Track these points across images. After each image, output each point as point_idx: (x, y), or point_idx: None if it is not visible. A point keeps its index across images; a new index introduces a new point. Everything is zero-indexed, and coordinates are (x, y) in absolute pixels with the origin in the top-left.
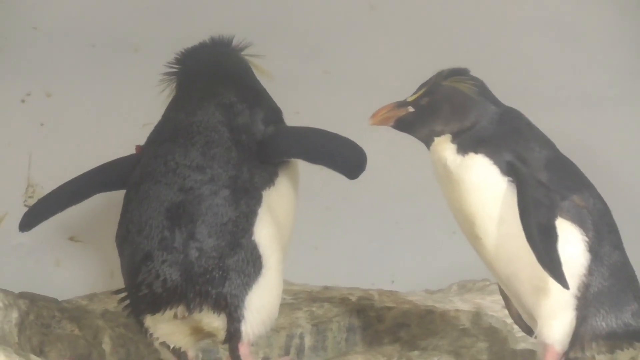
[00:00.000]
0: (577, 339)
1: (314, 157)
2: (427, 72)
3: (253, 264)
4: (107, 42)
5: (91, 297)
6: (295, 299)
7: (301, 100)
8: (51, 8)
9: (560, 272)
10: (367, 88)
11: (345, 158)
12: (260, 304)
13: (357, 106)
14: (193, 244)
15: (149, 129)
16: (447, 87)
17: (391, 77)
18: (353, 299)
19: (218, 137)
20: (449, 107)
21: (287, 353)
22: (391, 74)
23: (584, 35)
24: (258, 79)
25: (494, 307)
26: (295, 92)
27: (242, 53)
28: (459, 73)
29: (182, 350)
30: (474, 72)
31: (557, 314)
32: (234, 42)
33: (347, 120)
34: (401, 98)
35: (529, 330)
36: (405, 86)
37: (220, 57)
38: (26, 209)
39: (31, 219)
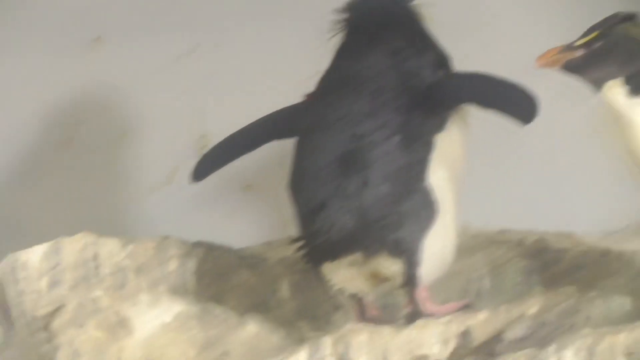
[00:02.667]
0: None
1: (486, 103)
2: None
3: (428, 209)
4: None
5: (267, 245)
6: (471, 242)
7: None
8: None
9: None
10: (532, 32)
11: (518, 103)
12: (437, 248)
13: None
14: (368, 190)
15: (318, 77)
16: (621, 32)
17: None
18: (529, 242)
19: (387, 83)
20: (623, 51)
21: (465, 297)
22: None
23: None
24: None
25: None
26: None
27: (412, 2)
28: (632, 18)
29: (360, 295)
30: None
31: None
32: None
33: (514, 65)
34: None
35: None
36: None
37: (389, 5)
38: None
39: (203, 169)
